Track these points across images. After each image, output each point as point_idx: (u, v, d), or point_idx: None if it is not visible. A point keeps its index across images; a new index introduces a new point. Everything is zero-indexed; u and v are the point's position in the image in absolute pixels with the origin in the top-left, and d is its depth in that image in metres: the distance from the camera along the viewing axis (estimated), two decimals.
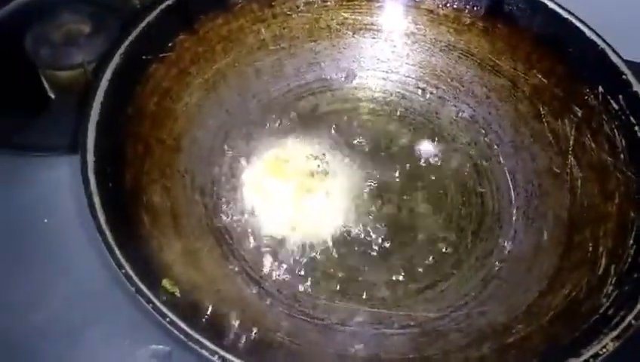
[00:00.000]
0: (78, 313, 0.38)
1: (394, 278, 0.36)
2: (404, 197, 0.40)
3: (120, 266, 0.27)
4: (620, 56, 0.38)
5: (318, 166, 0.40)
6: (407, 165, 0.41)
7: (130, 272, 0.27)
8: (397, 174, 0.41)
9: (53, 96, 0.49)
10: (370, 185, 0.40)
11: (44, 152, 0.45)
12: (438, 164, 0.42)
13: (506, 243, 0.38)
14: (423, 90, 0.45)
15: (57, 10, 0.50)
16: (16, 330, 0.37)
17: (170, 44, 0.39)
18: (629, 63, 0.38)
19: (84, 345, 0.37)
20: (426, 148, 0.43)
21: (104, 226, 0.28)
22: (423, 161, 0.42)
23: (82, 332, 0.37)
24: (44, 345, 0.37)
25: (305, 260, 0.36)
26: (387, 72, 0.45)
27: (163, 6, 0.38)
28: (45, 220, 0.42)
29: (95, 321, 0.38)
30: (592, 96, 0.38)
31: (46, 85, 0.49)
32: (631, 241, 0.32)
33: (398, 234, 0.38)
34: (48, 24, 0.49)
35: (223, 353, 0.25)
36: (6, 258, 0.40)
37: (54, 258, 0.40)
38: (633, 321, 0.27)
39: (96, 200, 0.29)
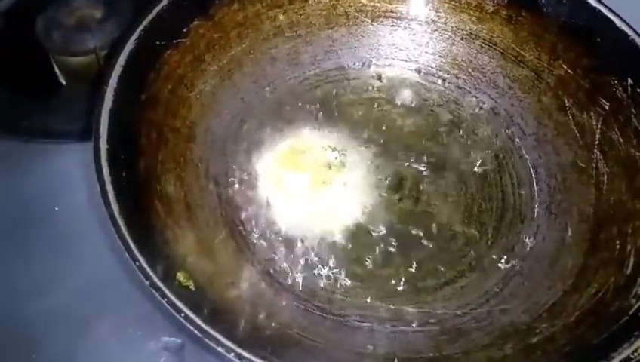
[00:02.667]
0: (89, 303, 0.37)
1: (412, 274, 0.35)
2: (423, 190, 0.39)
3: (134, 259, 0.26)
4: None
5: (335, 158, 0.40)
6: (426, 157, 0.40)
7: (145, 265, 0.26)
8: (416, 167, 0.40)
9: (64, 82, 0.49)
10: (389, 177, 0.39)
11: (54, 139, 0.45)
12: (458, 156, 0.41)
13: (527, 240, 0.37)
14: (444, 80, 0.44)
15: None
16: (26, 318, 0.37)
17: (184, 30, 0.38)
18: None
19: (95, 335, 0.37)
20: (445, 140, 0.41)
21: (117, 217, 0.28)
22: (441, 153, 0.41)
23: (93, 323, 0.37)
24: (53, 333, 0.37)
25: (321, 254, 0.36)
26: (406, 60, 0.45)
27: None
28: (56, 208, 0.41)
29: (106, 312, 0.37)
30: (620, 88, 0.37)
31: (57, 71, 0.49)
32: None
33: (417, 229, 0.37)
34: (60, 9, 0.48)
35: (239, 350, 0.24)
36: (16, 246, 0.40)
37: (65, 247, 0.40)
38: None
39: (110, 189, 0.29)
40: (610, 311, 0.29)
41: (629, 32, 0.37)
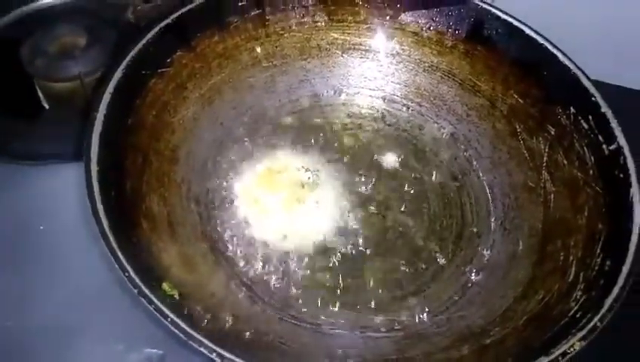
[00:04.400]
0: (72, 317, 0.38)
1: (380, 285, 0.38)
2: (390, 208, 0.42)
3: (123, 269, 0.28)
4: (590, 80, 0.40)
5: (309, 178, 0.42)
6: (392, 178, 0.43)
7: (133, 275, 0.28)
8: (382, 187, 0.43)
9: (47, 106, 0.50)
10: (358, 195, 0.42)
11: (38, 161, 0.46)
12: (422, 177, 0.44)
13: (484, 253, 0.40)
14: (408, 107, 0.47)
15: (54, 22, 0.51)
16: (11, 333, 0.38)
17: (168, 60, 0.41)
18: (600, 84, 0.40)
19: (78, 349, 0.38)
20: (410, 162, 0.45)
21: (107, 231, 0.30)
22: (406, 174, 0.44)
23: (75, 337, 0.38)
24: (38, 348, 0.38)
25: (294, 267, 0.38)
26: (374, 89, 0.48)
27: (162, 24, 0.40)
28: (41, 227, 0.42)
29: (88, 326, 0.38)
30: (564, 116, 0.40)
31: (41, 95, 0.50)
32: (598, 251, 0.34)
33: (384, 244, 0.40)
34: (45, 35, 0.50)
35: (220, 351, 0.27)
36: (2, 263, 0.41)
37: (49, 264, 0.41)
38: (599, 323, 0.30)
39: (100, 206, 0.31)
40: (554, 314, 0.32)
41: (571, 66, 0.41)
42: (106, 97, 0.35)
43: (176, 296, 0.30)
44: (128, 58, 0.38)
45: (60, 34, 0.51)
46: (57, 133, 0.47)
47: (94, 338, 0.38)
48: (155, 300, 0.27)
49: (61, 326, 0.38)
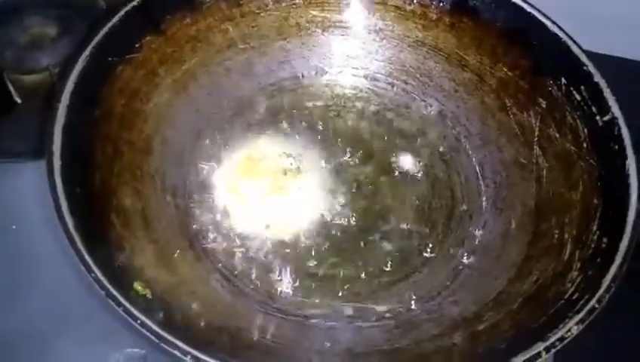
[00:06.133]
0: (52, 318, 0.38)
1: (367, 272, 0.37)
2: (376, 191, 0.40)
3: (89, 270, 0.27)
4: (581, 49, 0.39)
5: (291, 164, 0.41)
6: (379, 160, 0.42)
7: (100, 276, 0.27)
8: (368, 169, 0.41)
9: (19, 100, 0.49)
10: (343, 180, 0.41)
11: (10, 158, 0.44)
12: (409, 158, 0.42)
13: (476, 233, 0.38)
14: (393, 85, 0.45)
15: (23, 13, 0.49)
16: None
17: (136, 45, 0.39)
18: (591, 54, 0.39)
19: (58, 351, 0.37)
20: (397, 143, 0.43)
21: (72, 231, 0.28)
22: (393, 155, 0.42)
23: (56, 338, 0.37)
24: (16, 350, 0.37)
25: (278, 257, 0.37)
26: (357, 68, 0.46)
27: (128, 7, 0.38)
28: (14, 226, 0.41)
29: (69, 326, 0.37)
30: (555, 87, 0.39)
31: (11, 90, 0.48)
32: (594, 228, 0.33)
33: (371, 229, 0.39)
34: (13, 27, 0.48)
35: (195, 353, 0.25)
36: None
37: (24, 264, 0.40)
38: (596, 305, 0.28)
39: (64, 204, 0.29)
40: (549, 296, 0.31)
41: (561, 34, 0.39)
42: (69, 86, 0.33)
43: (149, 296, 0.28)
44: (92, 44, 0.36)
45: (30, 25, 0.49)
46: (30, 129, 0.45)
47: (75, 340, 0.37)
48: (124, 301, 0.26)
49: (40, 328, 0.38)
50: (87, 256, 0.27)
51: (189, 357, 0.25)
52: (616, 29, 0.52)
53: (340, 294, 0.36)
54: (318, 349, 0.32)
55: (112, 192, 0.34)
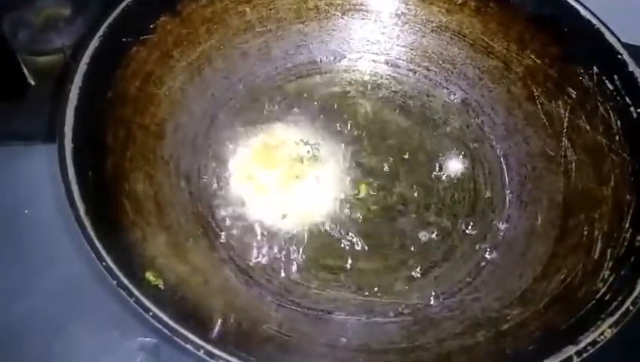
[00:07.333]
0: (64, 304, 0.37)
1: (386, 266, 0.36)
2: (396, 182, 0.39)
3: (100, 259, 0.26)
4: (615, 36, 0.37)
5: (308, 152, 0.39)
6: (399, 150, 0.41)
7: (112, 265, 0.26)
8: (388, 159, 0.40)
9: (33, 82, 0.48)
10: (362, 170, 0.39)
11: (24, 141, 0.44)
12: (430, 148, 0.41)
13: (499, 228, 0.37)
14: (415, 72, 0.44)
15: None
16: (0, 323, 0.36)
17: (151, 26, 0.38)
18: (625, 45, 0.37)
19: (70, 337, 0.36)
20: (417, 132, 0.42)
21: (83, 217, 0.27)
22: (414, 145, 0.41)
23: (68, 324, 0.37)
24: (28, 336, 0.36)
25: (294, 248, 0.36)
26: (377, 53, 0.44)
27: None
28: (26, 211, 0.41)
29: (81, 313, 0.37)
30: (586, 76, 0.37)
31: (26, 72, 0.48)
32: (627, 225, 0.32)
33: (390, 221, 0.37)
34: (27, 8, 0.47)
35: (209, 347, 0.24)
36: None
37: (37, 249, 0.39)
38: (631, 306, 0.27)
39: (75, 189, 0.28)
40: (578, 296, 0.30)
41: (594, 20, 0.38)
42: (82, 68, 0.33)
43: (161, 286, 0.28)
44: (105, 24, 0.35)
45: (43, 5, 0.48)
46: (44, 111, 0.45)
47: (86, 327, 0.37)
48: (136, 292, 0.25)
49: (52, 315, 0.37)
50: (98, 244, 0.26)
51: (202, 351, 0.24)
52: None
53: (357, 288, 0.35)
54: (333, 344, 0.31)
55: (125, 177, 0.33)
